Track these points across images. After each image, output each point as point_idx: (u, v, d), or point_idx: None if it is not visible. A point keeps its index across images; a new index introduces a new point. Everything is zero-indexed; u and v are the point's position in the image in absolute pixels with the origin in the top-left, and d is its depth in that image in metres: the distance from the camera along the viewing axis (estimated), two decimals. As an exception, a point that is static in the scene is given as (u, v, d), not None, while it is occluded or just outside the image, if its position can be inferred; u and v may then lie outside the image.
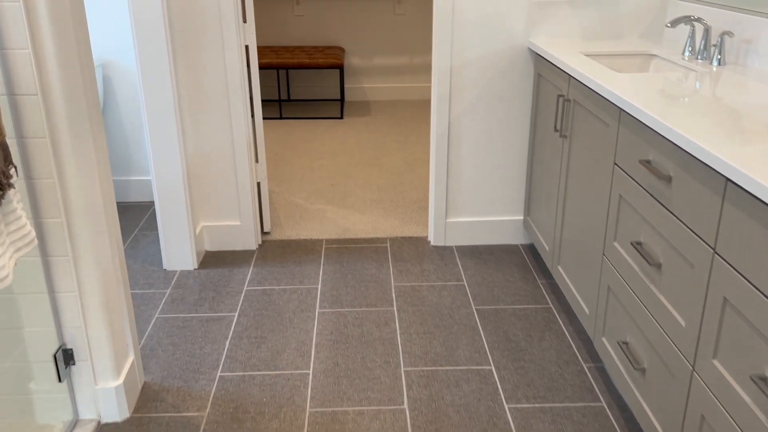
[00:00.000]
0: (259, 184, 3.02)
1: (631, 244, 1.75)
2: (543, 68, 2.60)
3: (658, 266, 1.62)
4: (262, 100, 5.55)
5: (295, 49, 5.28)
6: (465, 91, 2.78)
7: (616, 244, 1.89)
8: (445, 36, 2.68)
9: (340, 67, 4.96)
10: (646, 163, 1.65)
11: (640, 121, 1.69)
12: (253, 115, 2.91)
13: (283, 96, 5.59)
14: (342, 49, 5.35)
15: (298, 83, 5.57)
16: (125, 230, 3.17)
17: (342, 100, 5.37)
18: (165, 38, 2.48)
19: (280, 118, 5.10)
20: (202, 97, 2.72)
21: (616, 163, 1.87)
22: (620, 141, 1.84)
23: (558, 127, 2.39)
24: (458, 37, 2.69)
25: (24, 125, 1.58)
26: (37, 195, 1.65)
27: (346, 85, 5.61)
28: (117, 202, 3.48)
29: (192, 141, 2.78)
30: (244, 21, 2.77)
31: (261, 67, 4.91)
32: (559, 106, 2.37)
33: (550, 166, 2.53)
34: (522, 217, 2.99)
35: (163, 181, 2.67)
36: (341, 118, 5.11)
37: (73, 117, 1.63)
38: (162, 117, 2.58)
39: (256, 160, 2.99)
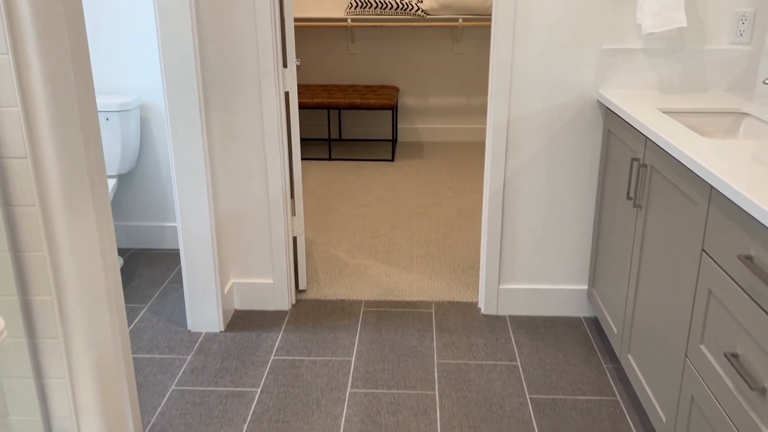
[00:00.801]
0: (295, 239, 2.79)
1: (725, 355, 1.42)
2: (614, 124, 2.30)
3: (762, 392, 1.29)
4: (311, 139, 5.39)
5: (347, 88, 5.10)
6: (524, 146, 2.49)
7: (703, 348, 1.56)
8: (503, 86, 2.41)
9: (392, 108, 4.75)
10: (747, 260, 1.33)
11: (739, 206, 1.38)
12: (291, 166, 2.69)
13: (334, 135, 5.41)
14: (396, 89, 5.15)
15: (349, 122, 5.39)
16: (154, 281, 2.99)
17: (394, 141, 5.15)
18: (196, 83, 2.30)
19: (329, 159, 4.91)
20: (237, 146, 2.52)
21: (704, 251, 1.55)
22: (711, 225, 1.52)
23: (631, 195, 2.07)
24: (518, 86, 2.42)
25: (11, 191, 1.39)
26: (25, 269, 1.45)
27: (400, 126, 5.39)
28: (149, 249, 3.32)
29: (224, 192, 2.58)
30: (285, 66, 2.57)
31: (311, 107, 4.74)
32: (633, 170, 2.05)
33: (621, 236, 2.21)
34: (586, 287, 2.66)
35: (190, 236, 2.47)
36: (392, 160, 4.88)
37: (69, 184, 1.42)
38: (191, 167, 2.39)
39: (293, 213, 2.77)
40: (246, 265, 2.69)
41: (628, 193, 2.06)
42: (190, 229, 2.45)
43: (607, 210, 2.38)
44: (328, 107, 4.75)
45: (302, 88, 5.03)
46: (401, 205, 3.95)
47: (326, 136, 5.37)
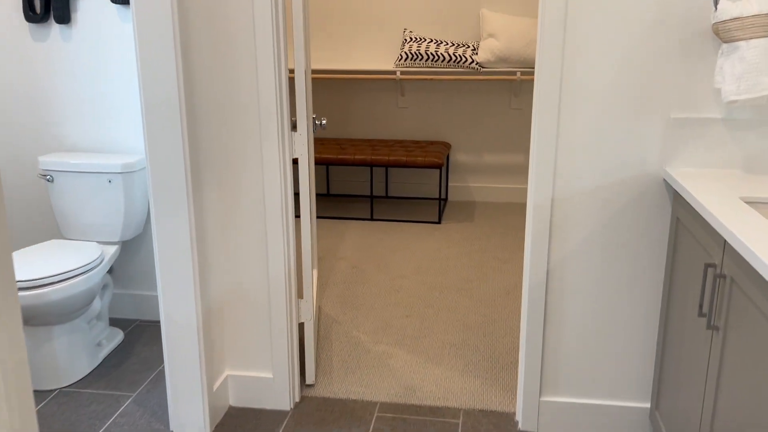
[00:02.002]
0: (302, 325, 2.43)
1: None
2: (684, 213, 1.84)
3: None
4: (354, 196, 5.06)
5: (394, 143, 4.77)
6: (571, 232, 2.06)
7: None
8: (546, 160, 2.00)
9: (440, 167, 4.37)
10: None
11: None
12: (300, 243, 2.34)
13: (379, 192, 5.07)
14: (447, 145, 4.78)
15: (396, 179, 5.04)
16: (151, 362, 2.67)
17: (442, 200, 4.77)
18: (182, 149, 1.99)
19: (371, 219, 4.56)
20: (234, 221, 2.20)
21: (811, 423, 1.08)
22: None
23: (705, 311, 1.60)
24: (564, 161, 2.00)
25: None
26: None
27: (451, 184, 5.01)
28: (156, 322, 3.02)
29: (219, 272, 2.25)
30: (294, 129, 2.25)
31: (353, 164, 4.43)
32: (708, 280, 1.59)
33: (692, 357, 1.73)
34: (647, 406, 2.16)
35: (173, 326, 2.14)
36: (439, 222, 4.48)
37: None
38: (175, 247, 2.07)
39: (300, 296, 2.41)
40: (243, 356, 2.33)
41: (700, 308, 1.59)
42: (174, 318, 2.12)
43: (674, 322, 1.90)
44: (372, 164, 4.42)
45: (346, 143, 4.74)
46: (441, 277, 3.54)
47: (368, 194, 5.04)
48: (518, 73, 4.47)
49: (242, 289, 2.26)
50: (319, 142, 4.77)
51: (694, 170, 1.94)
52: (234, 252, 2.23)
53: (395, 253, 3.91)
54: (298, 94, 2.23)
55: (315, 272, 3.04)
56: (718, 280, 1.51)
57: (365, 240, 4.14)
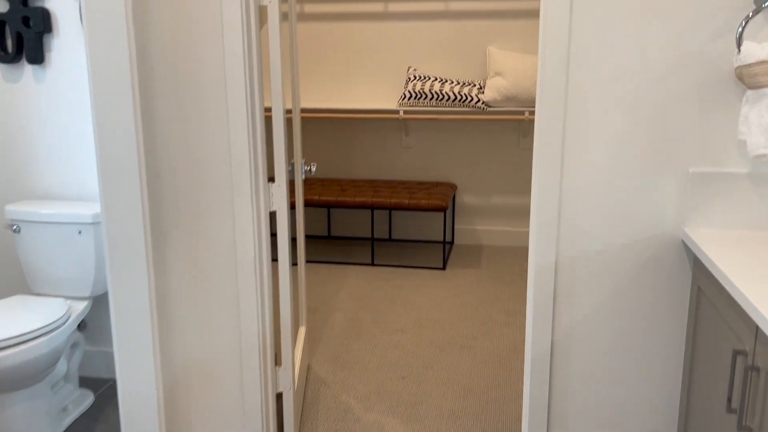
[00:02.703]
0: (281, 395, 2.20)
1: None
2: (707, 284, 1.60)
3: None
4: (355, 239, 4.85)
5: (397, 185, 4.57)
6: (578, 298, 1.82)
7: None
8: (549, 216, 1.77)
9: (444, 211, 4.16)
10: None
11: None
12: (278, 303, 2.12)
13: (382, 234, 4.86)
14: (453, 186, 4.57)
15: (399, 221, 4.83)
16: (117, 428, 2.45)
17: (447, 244, 4.55)
18: (139, 201, 1.79)
19: (372, 264, 4.34)
20: (203, 280, 1.99)
21: None
22: None
23: (734, 407, 1.35)
24: (569, 218, 1.77)
25: None
26: None
27: (457, 226, 4.78)
28: (108, 379, 2.80)
29: (185, 337, 2.03)
30: (271, 180, 2.05)
31: (353, 206, 4.22)
32: (738, 370, 1.34)
33: (718, 455, 1.47)
34: (666, 498, 1.89)
35: (130, 397, 1.91)
36: (443, 268, 4.24)
37: None
38: (132, 310, 1.86)
39: (278, 363, 2.18)
40: (213, 431, 2.10)
41: (729, 402, 1.34)
42: (131, 391, 1.90)
43: (698, 413, 1.64)
44: (373, 207, 4.22)
45: (347, 184, 4.54)
46: (443, 331, 3.29)
47: (368, 237, 4.82)
48: (526, 113, 4.27)
49: (211, 357, 2.04)
50: (320, 183, 4.58)
51: (716, 232, 1.71)
52: (202, 315, 2.01)
53: (395, 303, 3.67)
54: (276, 140, 2.03)
55: (303, 330, 2.82)
56: (750, 372, 1.27)
57: (365, 288, 3.91)
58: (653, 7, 1.65)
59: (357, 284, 3.97)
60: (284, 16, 2.58)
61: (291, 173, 2.69)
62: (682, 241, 1.75)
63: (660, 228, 1.75)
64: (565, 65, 1.68)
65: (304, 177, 2.73)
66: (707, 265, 1.54)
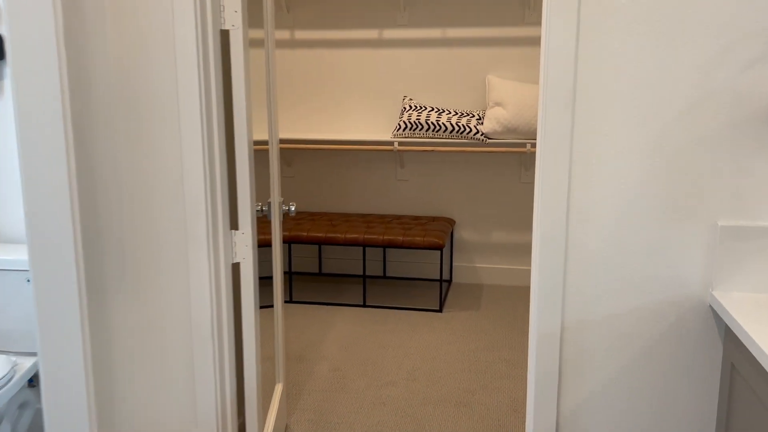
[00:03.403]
0: (245, 473, 1.92)
1: None
2: (741, 360, 1.33)
3: None
4: (347, 276, 4.57)
5: (392, 220, 4.31)
6: (588, 371, 1.55)
7: None
8: (553, 276, 1.51)
9: (441, 249, 3.89)
10: None
11: None
12: (242, 371, 1.86)
13: (376, 271, 4.59)
14: (451, 222, 4.31)
15: (394, 258, 4.56)
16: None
17: (445, 282, 4.27)
18: (72, 250, 1.53)
19: (363, 305, 4.06)
20: (151, 344, 1.72)
21: None
22: None
23: None
24: (576, 277, 1.51)
25: None
26: None
27: (455, 264, 4.51)
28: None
29: (130, 411, 1.75)
30: (234, 228, 1.80)
31: (343, 243, 3.96)
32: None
33: None
34: None
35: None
36: (440, 311, 3.97)
37: None
38: (64, 378, 1.59)
39: (242, 437, 1.91)
40: None
41: None
42: (61, 476, 1.63)
43: None
44: (364, 244, 3.96)
45: (339, 219, 4.29)
46: (437, 385, 3.01)
47: (360, 274, 4.55)
48: (528, 145, 4.02)
49: (161, 430, 1.76)
50: (309, 218, 4.33)
51: (751, 296, 1.44)
52: (151, 383, 1.74)
53: (387, 350, 3.39)
54: (241, 179, 1.78)
55: (279, 387, 2.54)
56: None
57: (355, 332, 3.63)
58: (674, 35, 1.41)
59: (347, 328, 3.69)
60: (259, 42, 2.35)
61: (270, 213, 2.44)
62: (710, 307, 1.49)
63: (683, 291, 1.49)
64: (570, 103, 1.43)
65: (282, 218, 2.47)
66: (741, 337, 1.28)
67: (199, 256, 1.66)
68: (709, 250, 1.46)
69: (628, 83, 1.43)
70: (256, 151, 4.51)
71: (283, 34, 4.37)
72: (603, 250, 1.49)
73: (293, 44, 4.38)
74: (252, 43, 4.36)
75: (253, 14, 3.92)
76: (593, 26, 1.43)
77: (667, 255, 1.48)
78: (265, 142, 4.24)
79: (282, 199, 2.48)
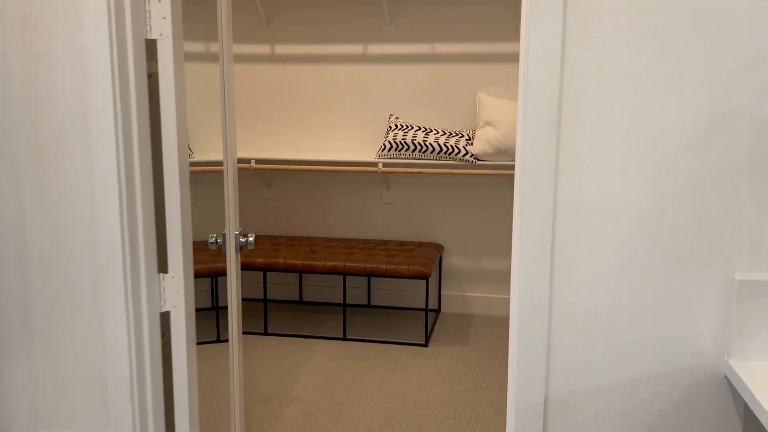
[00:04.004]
0: None
1: None
2: (770, 456, 1.06)
3: None
4: (327, 304, 4.30)
5: (376, 245, 4.05)
6: (576, 453, 1.27)
7: None
8: (534, 338, 1.24)
9: (427, 278, 3.62)
10: None
11: None
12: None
13: (358, 300, 4.31)
14: (439, 247, 4.05)
15: (379, 285, 4.29)
16: None
17: (432, 312, 4.00)
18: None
19: (343, 338, 3.78)
20: (57, 407, 1.45)
21: None
22: None
23: None
24: (563, 340, 1.24)
25: None
26: None
27: (444, 292, 4.24)
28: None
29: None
30: (163, 271, 1.53)
31: (321, 272, 3.70)
32: None
33: None
34: None
35: None
36: (425, 345, 3.69)
37: None
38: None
39: None
40: None
41: None
42: None
43: None
44: (344, 273, 3.69)
45: (319, 244, 4.02)
46: (416, 433, 2.73)
47: (341, 303, 4.28)
48: (521, 168, 3.76)
49: None
50: (287, 243, 4.06)
51: (778, 368, 1.17)
52: (61, 457, 1.47)
53: (365, 391, 3.11)
54: (170, 212, 1.52)
55: (233, 442, 2.26)
56: None
57: (331, 369, 3.35)
58: (684, 47, 1.15)
59: (323, 364, 3.41)
60: (213, 57, 2.11)
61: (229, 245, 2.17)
62: (726, 378, 1.22)
63: (693, 359, 1.22)
64: (554, 130, 1.18)
65: (239, 251, 2.21)
66: (762, 419, 1.01)
67: (115, 306, 1.40)
68: (724, 309, 1.20)
69: (626, 107, 1.18)
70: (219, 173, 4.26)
71: (263, 49, 4.14)
72: (595, 308, 1.22)
73: (273, 59, 4.14)
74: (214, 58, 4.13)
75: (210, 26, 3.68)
76: (581, 38, 1.17)
77: (673, 315, 1.21)
78: (219, 163, 3.99)
79: (240, 229, 2.22)
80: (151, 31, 1.44)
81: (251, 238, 2.18)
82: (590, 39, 1.17)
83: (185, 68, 1.48)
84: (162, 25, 1.44)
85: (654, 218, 1.20)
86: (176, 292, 1.53)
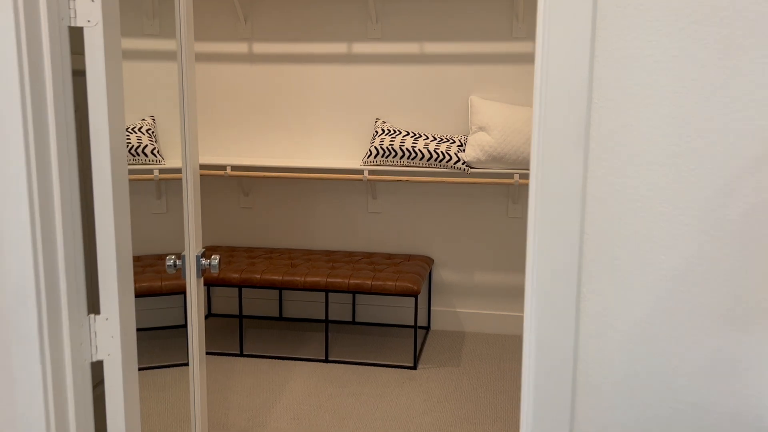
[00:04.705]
0: None
1: None
2: None
3: None
4: (308, 321, 4.02)
5: (361, 258, 3.78)
6: None
7: None
8: (556, 408, 0.98)
9: (416, 296, 3.36)
10: None
11: None
12: None
13: (346, 315, 4.04)
14: (429, 261, 3.78)
15: (364, 300, 4.02)
16: None
17: (421, 329, 3.74)
18: None
19: (325, 360, 3.50)
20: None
21: None
22: None
23: None
24: (589, 410, 0.98)
25: None
26: None
27: (434, 308, 3.97)
28: None
29: None
30: (95, 312, 1.25)
31: (301, 288, 3.42)
32: None
33: None
34: None
35: None
36: (414, 367, 3.42)
37: None
38: None
39: None
40: None
41: None
42: None
43: None
44: (327, 289, 3.41)
45: (300, 257, 3.74)
46: (404, 473, 2.45)
47: (322, 320, 4.00)
48: (516, 176, 3.51)
49: None
50: (266, 255, 3.78)
51: None
52: None
53: (347, 422, 2.84)
54: (103, 242, 1.24)
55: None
56: None
57: (312, 396, 3.07)
58: (745, 40, 0.89)
59: (303, 390, 3.13)
60: (170, 55, 1.85)
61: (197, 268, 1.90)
62: (798, 458, 0.96)
63: (754, 427, 0.96)
64: (581, 143, 0.91)
65: (200, 275, 1.93)
66: None
67: (27, 364, 1.12)
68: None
69: (673, 113, 0.92)
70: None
71: (240, 48, 3.86)
72: (632, 369, 0.96)
73: (252, 59, 3.86)
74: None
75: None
76: (617, 26, 0.91)
77: (732, 377, 0.95)
78: (178, 170, 3.71)
79: (203, 249, 1.94)
80: (75, 17, 1.16)
81: (215, 261, 1.91)
82: (627, 29, 0.91)
83: (122, 62, 1.20)
84: (90, 11, 1.17)
85: (707, 258, 0.94)
86: (111, 337, 1.25)
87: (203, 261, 1.92)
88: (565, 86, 0.94)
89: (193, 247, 1.89)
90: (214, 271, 1.92)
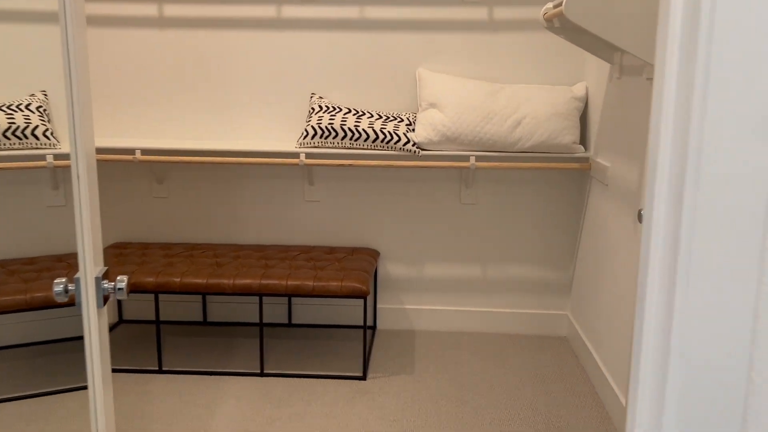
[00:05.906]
0: None
1: None
2: None
3: None
4: (241, 324, 3.54)
5: (299, 253, 3.31)
6: None
7: None
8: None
9: (365, 297, 2.93)
10: None
11: None
12: None
13: (281, 317, 3.57)
14: (374, 254, 3.37)
15: (300, 300, 3.57)
16: None
17: (368, 329, 3.33)
18: None
19: (261, 374, 3.03)
20: None
21: None
22: None
23: None
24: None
25: None
26: None
27: (380, 305, 3.57)
28: None
29: None
30: None
31: (231, 293, 2.93)
32: None
33: None
34: None
35: None
36: (363, 378, 3.01)
37: None
38: None
39: None
40: None
41: None
42: None
43: None
44: (260, 293, 2.94)
45: (227, 254, 3.24)
46: None
47: (256, 324, 3.53)
48: (472, 159, 3.13)
49: None
50: (187, 254, 3.26)
51: None
52: None
53: (291, 452, 2.40)
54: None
55: None
56: None
57: (245, 423, 2.61)
58: None
59: (236, 414, 2.66)
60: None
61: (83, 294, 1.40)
62: None
63: None
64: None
65: (102, 304, 1.44)
66: None
67: None
68: None
69: None
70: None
71: (148, 10, 3.27)
72: None
73: (162, 23, 3.29)
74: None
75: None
76: None
77: None
78: (66, 156, 3.14)
79: (106, 268, 1.45)
80: None
81: (121, 284, 1.43)
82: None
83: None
84: None
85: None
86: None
87: (105, 284, 1.43)
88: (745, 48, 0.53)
89: (90, 266, 1.40)
90: (121, 297, 1.43)
